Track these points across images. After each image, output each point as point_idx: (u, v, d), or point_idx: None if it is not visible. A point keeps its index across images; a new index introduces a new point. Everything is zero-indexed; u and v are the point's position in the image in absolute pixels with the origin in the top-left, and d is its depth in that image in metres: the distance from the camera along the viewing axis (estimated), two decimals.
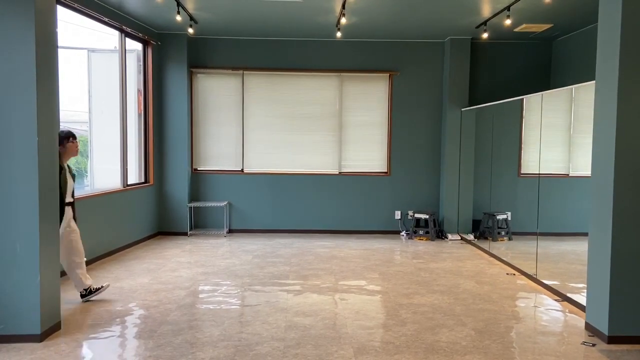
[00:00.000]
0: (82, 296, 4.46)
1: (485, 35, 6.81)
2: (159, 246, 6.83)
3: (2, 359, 3.29)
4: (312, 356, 3.37)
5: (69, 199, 4.37)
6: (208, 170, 7.83)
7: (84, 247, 5.61)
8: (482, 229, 7.25)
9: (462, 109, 7.51)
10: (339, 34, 6.80)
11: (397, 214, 7.88)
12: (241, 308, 4.35)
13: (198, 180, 7.80)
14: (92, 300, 4.46)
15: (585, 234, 3.97)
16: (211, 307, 4.34)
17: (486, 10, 6.06)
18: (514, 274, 5.57)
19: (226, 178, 7.81)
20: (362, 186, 7.85)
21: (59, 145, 4.20)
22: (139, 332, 3.80)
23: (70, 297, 4.55)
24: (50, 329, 3.66)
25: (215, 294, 4.74)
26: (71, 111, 6.19)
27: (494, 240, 6.87)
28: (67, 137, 4.32)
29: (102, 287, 4.58)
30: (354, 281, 5.24)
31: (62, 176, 4.21)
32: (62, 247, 4.27)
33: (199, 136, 7.79)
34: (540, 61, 7.76)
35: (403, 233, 7.78)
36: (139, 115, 7.15)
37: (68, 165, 4.43)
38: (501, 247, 6.77)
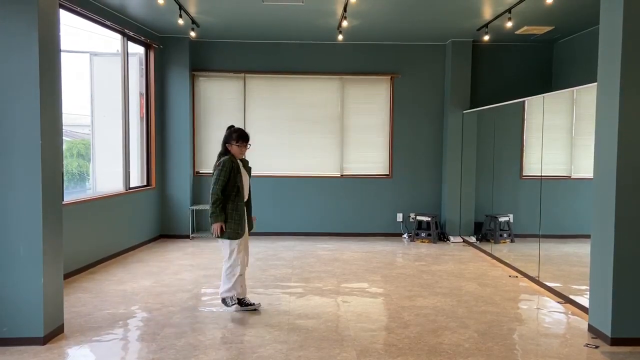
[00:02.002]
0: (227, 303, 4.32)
1: (486, 38, 6.82)
2: (161, 249, 6.83)
3: None
4: (314, 358, 3.37)
5: (246, 197, 4.36)
6: (210, 173, 7.82)
7: (87, 250, 5.65)
8: (484, 231, 7.24)
9: (464, 111, 7.51)
10: (340, 37, 6.81)
11: (399, 217, 7.88)
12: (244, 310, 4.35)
13: (200, 183, 7.81)
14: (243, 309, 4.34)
15: (588, 236, 3.97)
16: (214, 310, 4.35)
17: (487, 13, 6.06)
18: (517, 276, 5.56)
19: None
20: (364, 189, 7.85)
21: (227, 143, 4.22)
22: (141, 334, 3.80)
23: (73, 299, 4.56)
24: (53, 332, 3.67)
25: (218, 296, 4.73)
26: (74, 114, 6.21)
27: (496, 242, 6.87)
28: (237, 140, 4.24)
29: (253, 304, 4.37)
30: (356, 284, 5.23)
31: (229, 174, 4.19)
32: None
33: (200, 139, 7.80)
34: (541, 63, 7.76)
35: (405, 235, 7.78)
36: (141, 118, 7.16)
37: (243, 160, 4.34)
38: (503, 249, 6.76)
